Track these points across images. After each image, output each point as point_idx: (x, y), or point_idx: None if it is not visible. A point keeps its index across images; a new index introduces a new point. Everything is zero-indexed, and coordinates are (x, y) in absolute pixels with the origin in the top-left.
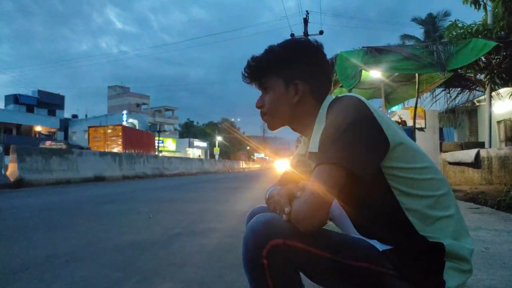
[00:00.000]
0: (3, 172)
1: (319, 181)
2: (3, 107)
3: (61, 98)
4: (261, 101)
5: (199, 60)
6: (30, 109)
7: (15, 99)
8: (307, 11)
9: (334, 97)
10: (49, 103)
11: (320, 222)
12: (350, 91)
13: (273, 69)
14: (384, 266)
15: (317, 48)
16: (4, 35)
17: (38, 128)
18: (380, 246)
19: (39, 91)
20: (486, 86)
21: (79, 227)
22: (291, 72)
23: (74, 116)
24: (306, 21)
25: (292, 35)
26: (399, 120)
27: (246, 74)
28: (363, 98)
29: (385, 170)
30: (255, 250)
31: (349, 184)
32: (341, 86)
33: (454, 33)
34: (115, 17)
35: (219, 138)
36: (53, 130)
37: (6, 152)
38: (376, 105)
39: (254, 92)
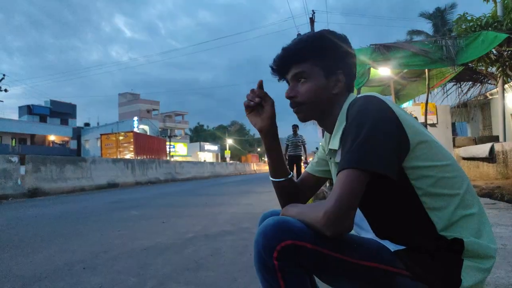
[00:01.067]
0: (19, 182)
1: (345, 187)
2: (17, 118)
3: (73, 107)
4: (294, 90)
5: (208, 63)
6: (43, 119)
7: (28, 109)
8: (313, 10)
9: (354, 96)
10: (62, 112)
11: (349, 227)
12: (359, 89)
13: (312, 57)
14: (396, 266)
15: (346, 41)
16: (16, 48)
17: (51, 137)
18: (393, 247)
19: (51, 101)
20: (498, 79)
21: (95, 234)
22: (332, 62)
23: (86, 124)
24: (312, 20)
25: (298, 35)
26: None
27: (277, 64)
28: (383, 97)
29: (407, 170)
30: (266, 252)
31: (372, 186)
32: None
33: (464, 26)
34: (123, 26)
35: (229, 141)
36: (66, 139)
37: (21, 162)
38: None
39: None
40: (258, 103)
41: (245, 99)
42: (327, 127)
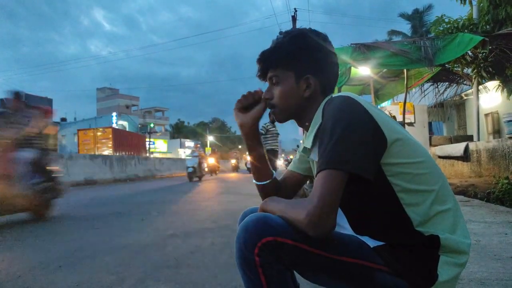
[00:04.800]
0: None
1: (326, 187)
2: None
3: (49, 101)
4: (269, 93)
5: (189, 59)
6: None
7: (2, 103)
8: (295, 8)
9: (330, 95)
10: (37, 106)
11: (331, 227)
12: (339, 88)
13: (282, 63)
14: (375, 262)
15: (325, 40)
16: None
17: None
18: (372, 243)
19: (26, 94)
20: (473, 80)
21: (71, 232)
22: (302, 66)
23: (63, 119)
24: (294, 19)
25: (280, 33)
26: (389, 116)
27: (258, 67)
28: (358, 97)
29: (384, 167)
30: (247, 248)
31: (349, 183)
32: None
33: (441, 28)
34: (103, 19)
35: (210, 138)
36: None
37: None
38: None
39: (244, 91)
40: (250, 104)
41: (229, 95)
42: (305, 127)
